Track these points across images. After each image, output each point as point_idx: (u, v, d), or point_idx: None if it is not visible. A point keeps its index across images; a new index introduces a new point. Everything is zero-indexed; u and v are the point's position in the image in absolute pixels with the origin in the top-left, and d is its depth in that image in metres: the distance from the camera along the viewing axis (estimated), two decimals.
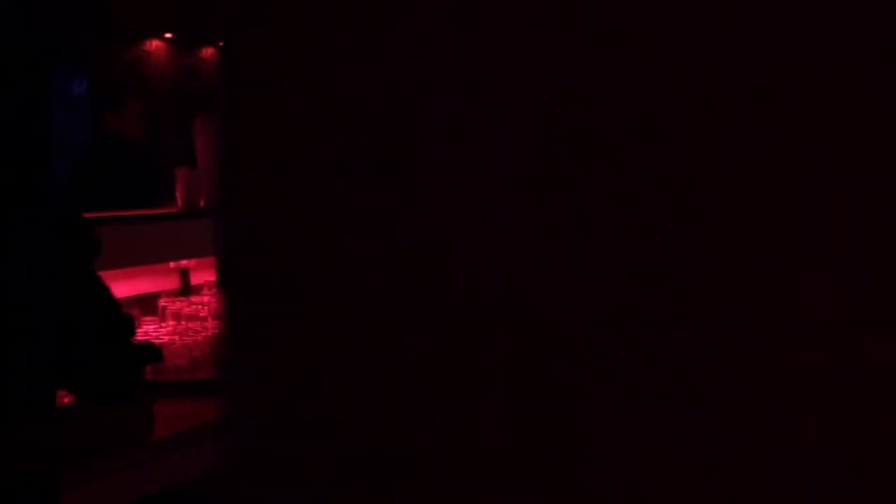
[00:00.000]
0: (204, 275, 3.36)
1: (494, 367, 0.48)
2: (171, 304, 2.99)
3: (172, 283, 3.32)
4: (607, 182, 0.47)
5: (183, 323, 2.86)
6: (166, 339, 2.70)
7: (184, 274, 3.33)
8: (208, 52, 6.40)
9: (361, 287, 0.49)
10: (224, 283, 0.53)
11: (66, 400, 2.30)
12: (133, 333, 1.87)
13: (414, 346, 0.49)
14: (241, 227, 0.49)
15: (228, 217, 0.50)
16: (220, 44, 0.53)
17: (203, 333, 2.77)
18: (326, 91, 0.48)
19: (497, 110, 0.47)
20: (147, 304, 3.16)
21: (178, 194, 3.08)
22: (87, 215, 2.83)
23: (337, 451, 0.52)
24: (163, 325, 2.88)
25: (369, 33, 0.48)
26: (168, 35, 6.05)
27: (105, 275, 2.86)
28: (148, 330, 2.80)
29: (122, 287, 3.07)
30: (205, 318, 2.90)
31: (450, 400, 0.50)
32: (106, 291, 1.77)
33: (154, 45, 6.06)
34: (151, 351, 2.12)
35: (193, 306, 2.97)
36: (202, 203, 3.08)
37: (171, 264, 3.25)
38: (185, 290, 3.30)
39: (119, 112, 4.30)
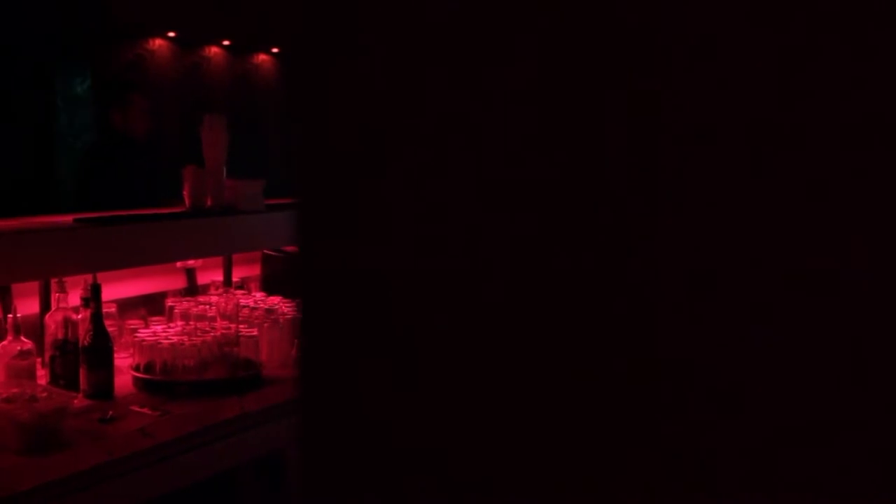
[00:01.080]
0: (210, 274, 3.34)
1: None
2: (179, 304, 2.97)
3: (179, 282, 3.30)
4: None
5: (191, 323, 2.84)
6: (175, 339, 2.67)
7: (190, 274, 3.31)
8: (211, 50, 6.38)
9: (443, 286, 0.46)
10: (302, 277, 0.51)
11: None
12: None
13: (486, 346, 0.47)
14: (321, 222, 0.47)
15: (308, 213, 0.48)
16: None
17: (211, 333, 2.74)
18: (411, 87, 0.46)
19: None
20: (154, 303, 3.14)
21: (185, 193, 3.05)
22: (92, 215, 2.81)
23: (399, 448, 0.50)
24: (171, 325, 2.86)
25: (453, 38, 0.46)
26: (171, 34, 6.03)
27: (111, 275, 2.85)
28: (156, 330, 2.78)
29: (129, 287, 3.05)
30: (213, 318, 2.88)
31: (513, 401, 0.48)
32: None
33: (157, 43, 6.04)
34: None
35: (201, 306, 2.95)
36: (209, 202, 3.05)
37: (178, 264, 3.23)
38: (192, 289, 3.28)
39: (124, 109, 4.27)
